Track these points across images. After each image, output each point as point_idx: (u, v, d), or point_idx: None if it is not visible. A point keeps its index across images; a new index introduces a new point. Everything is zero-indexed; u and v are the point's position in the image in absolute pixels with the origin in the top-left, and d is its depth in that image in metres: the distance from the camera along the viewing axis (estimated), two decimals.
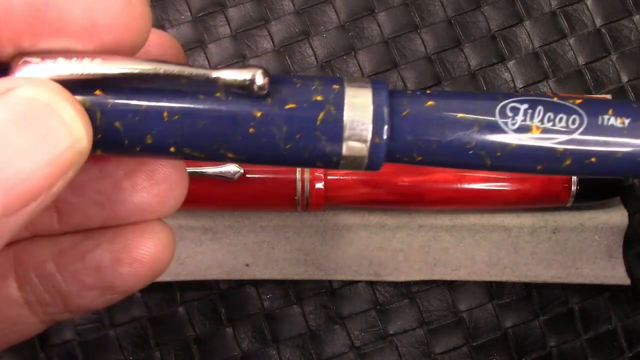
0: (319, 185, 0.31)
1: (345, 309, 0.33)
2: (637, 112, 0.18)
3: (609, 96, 0.34)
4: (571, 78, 0.35)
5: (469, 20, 0.36)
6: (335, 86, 0.18)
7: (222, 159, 0.18)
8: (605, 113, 0.18)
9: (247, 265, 0.33)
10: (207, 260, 0.33)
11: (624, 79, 0.35)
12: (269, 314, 0.33)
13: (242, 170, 0.30)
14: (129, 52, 0.16)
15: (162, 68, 0.17)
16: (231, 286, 0.33)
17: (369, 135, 0.18)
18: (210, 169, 0.30)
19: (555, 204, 0.32)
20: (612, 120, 0.18)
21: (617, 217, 0.32)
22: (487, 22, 0.36)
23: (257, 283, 0.33)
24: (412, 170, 0.31)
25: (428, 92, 0.18)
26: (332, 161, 0.18)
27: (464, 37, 0.36)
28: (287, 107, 0.17)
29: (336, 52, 0.36)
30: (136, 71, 0.16)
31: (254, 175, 0.31)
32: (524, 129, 0.18)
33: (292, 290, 0.33)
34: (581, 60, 0.36)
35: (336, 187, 0.31)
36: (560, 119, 0.18)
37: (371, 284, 0.33)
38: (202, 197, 0.31)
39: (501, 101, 0.18)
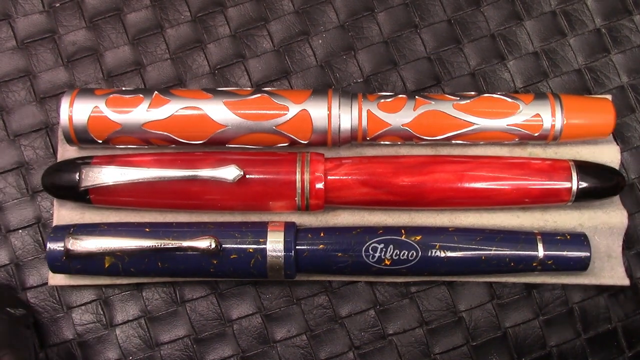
0: (319, 185, 0.31)
1: (345, 309, 0.33)
2: (455, 248, 0.30)
3: (609, 96, 0.34)
4: (571, 78, 0.35)
5: (468, 20, 0.36)
6: (262, 240, 0.30)
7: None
8: (434, 248, 0.30)
9: None
10: None
11: (624, 78, 0.35)
12: (269, 313, 0.33)
13: (242, 172, 0.30)
14: None
15: (160, 243, 0.29)
16: (230, 286, 0.33)
17: (282, 272, 0.30)
18: (204, 172, 0.30)
19: (556, 202, 0.32)
20: (438, 252, 0.30)
21: (616, 217, 0.32)
22: (486, 22, 0.36)
23: (256, 283, 0.33)
24: (412, 170, 0.31)
25: (322, 234, 0.30)
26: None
27: (463, 36, 0.36)
28: (232, 257, 0.30)
29: (336, 52, 0.35)
30: (145, 245, 0.29)
31: (254, 176, 0.31)
32: (379, 261, 0.30)
33: (292, 290, 0.33)
34: (581, 60, 0.35)
35: (336, 188, 0.31)
36: (404, 254, 0.30)
37: (371, 284, 0.33)
38: (203, 198, 0.31)
39: (367, 242, 0.30)
